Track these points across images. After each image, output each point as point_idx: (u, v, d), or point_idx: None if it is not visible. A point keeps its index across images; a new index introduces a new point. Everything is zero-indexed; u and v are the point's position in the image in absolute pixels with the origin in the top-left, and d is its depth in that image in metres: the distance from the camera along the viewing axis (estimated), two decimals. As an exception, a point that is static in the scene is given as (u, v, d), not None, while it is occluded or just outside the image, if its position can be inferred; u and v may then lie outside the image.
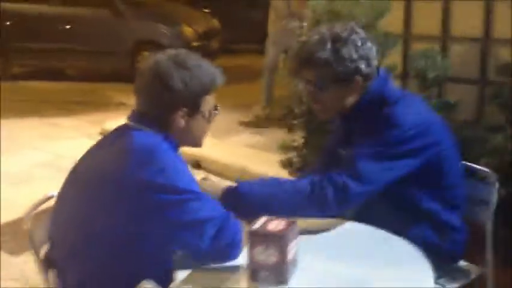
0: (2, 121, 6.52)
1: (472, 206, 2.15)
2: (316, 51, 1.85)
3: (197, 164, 4.95)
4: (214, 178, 1.85)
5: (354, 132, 1.97)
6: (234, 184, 1.83)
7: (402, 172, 1.86)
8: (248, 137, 5.59)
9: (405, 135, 1.84)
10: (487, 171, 2.19)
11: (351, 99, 1.91)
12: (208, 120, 1.74)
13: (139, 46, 8.21)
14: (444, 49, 3.91)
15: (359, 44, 1.87)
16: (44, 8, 8.60)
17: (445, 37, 3.88)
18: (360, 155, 1.83)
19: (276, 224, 1.55)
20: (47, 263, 1.73)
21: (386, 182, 1.84)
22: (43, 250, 1.77)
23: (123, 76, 7.56)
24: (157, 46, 8.17)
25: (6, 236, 3.52)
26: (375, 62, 1.91)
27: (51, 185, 1.86)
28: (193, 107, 1.68)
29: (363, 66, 1.87)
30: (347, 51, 1.84)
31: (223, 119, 6.24)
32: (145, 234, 1.56)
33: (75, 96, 7.77)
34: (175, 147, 1.70)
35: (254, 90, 6.88)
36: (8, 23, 8.64)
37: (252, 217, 1.58)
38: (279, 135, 3.73)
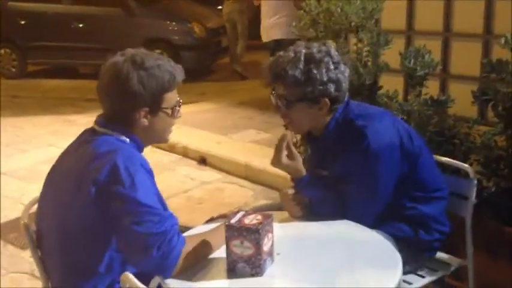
0: (17, 118, 6.70)
1: (453, 200, 2.22)
2: (288, 69, 1.89)
3: (202, 160, 5.04)
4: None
5: (329, 153, 2.03)
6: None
7: (392, 182, 1.97)
8: (253, 133, 5.64)
9: (379, 148, 1.90)
10: (467, 167, 2.26)
11: (319, 119, 1.98)
12: (172, 116, 1.77)
13: (150, 44, 8.28)
14: (446, 45, 3.97)
15: (331, 67, 1.91)
16: (57, 8, 8.77)
17: (447, 33, 3.93)
18: (350, 192, 1.93)
19: (251, 218, 1.64)
20: (42, 258, 1.87)
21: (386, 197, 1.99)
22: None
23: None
24: (168, 43, 8.36)
25: (16, 231, 3.66)
26: (345, 86, 1.96)
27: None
28: (154, 106, 1.72)
29: (332, 89, 1.92)
30: (318, 73, 1.89)
31: (230, 115, 6.38)
32: (105, 230, 1.65)
33: (88, 94, 7.88)
34: (140, 148, 1.76)
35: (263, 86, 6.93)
36: (22, 22, 8.84)
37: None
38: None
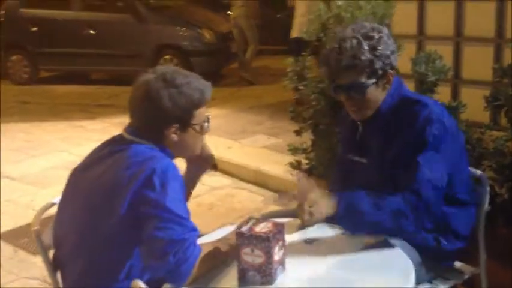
0: (27, 124, 6.75)
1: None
2: (357, 54, 1.89)
3: (213, 165, 5.02)
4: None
5: (378, 136, 1.99)
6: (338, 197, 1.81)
7: (450, 162, 1.93)
8: (263, 138, 5.64)
9: (444, 131, 1.89)
10: (480, 173, 2.23)
11: (383, 95, 1.98)
12: (201, 132, 1.83)
13: (161, 50, 8.36)
14: (457, 50, 3.94)
15: (387, 39, 1.95)
16: (69, 14, 8.84)
17: (458, 38, 3.91)
18: (419, 166, 1.84)
19: (262, 226, 1.63)
20: (54, 265, 1.87)
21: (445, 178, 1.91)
22: (51, 253, 1.90)
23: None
24: (178, 49, 8.39)
25: (26, 237, 3.68)
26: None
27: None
28: (184, 123, 1.77)
29: (394, 59, 1.95)
30: (382, 48, 1.91)
31: (241, 120, 6.38)
32: (131, 239, 1.67)
33: (99, 100, 7.96)
34: (172, 158, 1.79)
35: (275, 91, 6.94)
36: (35, 29, 8.91)
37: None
38: (293, 137, 3.79)
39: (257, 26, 8.64)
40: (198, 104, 1.78)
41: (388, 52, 1.93)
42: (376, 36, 1.92)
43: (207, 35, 8.48)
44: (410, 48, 3.77)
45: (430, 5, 4.08)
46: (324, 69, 1.98)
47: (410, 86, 3.39)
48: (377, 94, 1.96)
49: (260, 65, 9.55)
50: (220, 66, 8.83)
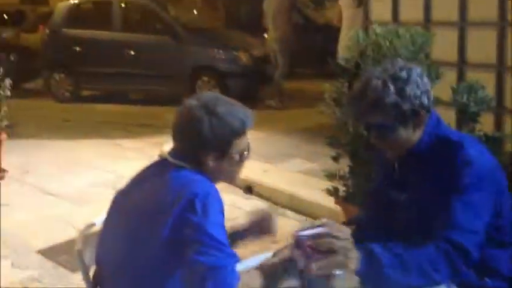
0: (68, 141, 6.90)
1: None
2: (382, 96, 1.87)
3: (249, 188, 5.05)
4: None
5: (415, 174, 1.96)
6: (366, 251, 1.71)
7: (489, 204, 1.87)
8: (299, 162, 5.62)
9: (482, 174, 1.84)
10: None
11: (417, 135, 1.94)
12: (240, 160, 1.83)
13: (198, 71, 8.49)
14: (500, 78, 3.88)
15: (419, 79, 1.90)
16: (110, 35, 9.09)
17: (501, 67, 3.85)
18: (454, 211, 1.79)
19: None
20: (94, 283, 1.90)
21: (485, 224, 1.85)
22: (91, 271, 1.94)
23: (182, 100, 7.80)
24: (215, 71, 8.50)
25: (66, 253, 3.74)
26: (432, 94, 1.95)
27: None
28: (222, 151, 1.78)
29: (425, 100, 1.90)
30: (411, 89, 1.87)
31: (277, 143, 6.39)
32: (172, 263, 1.69)
33: (137, 119, 8.09)
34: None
35: (310, 114, 6.93)
36: (77, 49, 9.17)
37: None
38: (329, 162, 3.78)
39: (292, 51, 8.64)
40: (238, 133, 1.79)
41: (419, 92, 1.87)
42: (405, 76, 1.88)
43: (243, 57, 8.58)
44: (450, 76, 3.74)
45: (471, 32, 4.05)
46: (348, 109, 1.96)
47: (450, 114, 3.38)
48: (407, 134, 1.91)
49: (296, 88, 9.57)
50: (257, 88, 8.90)
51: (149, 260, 1.70)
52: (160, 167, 1.83)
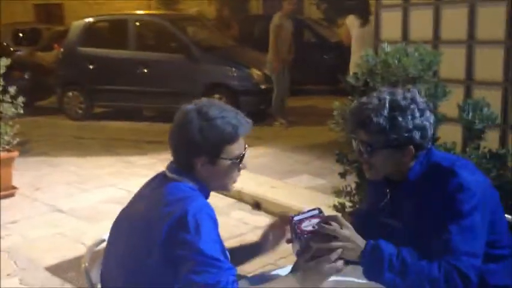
0: (79, 158, 6.94)
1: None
2: (373, 116, 1.87)
3: (257, 204, 5.06)
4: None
5: (408, 202, 1.95)
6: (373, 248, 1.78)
7: (486, 231, 1.87)
8: (308, 178, 5.63)
9: (476, 197, 1.83)
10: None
11: (402, 165, 1.93)
12: (234, 168, 1.81)
13: (210, 88, 8.54)
14: (506, 95, 3.88)
15: (417, 114, 1.88)
16: (124, 53, 9.20)
17: (507, 83, 3.86)
18: (453, 234, 1.79)
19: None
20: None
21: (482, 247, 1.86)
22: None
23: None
24: (227, 88, 8.56)
25: (74, 270, 3.76)
26: (430, 132, 1.92)
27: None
28: (213, 156, 1.76)
29: (417, 136, 1.88)
30: (404, 121, 1.86)
31: (286, 160, 6.40)
32: (170, 278, 1.67)
33: (149, 136, 8.13)
34: (207, 194, 1.81)
35: (321, 131, 6.93)
36: (91, 67, 9.29)
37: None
38: (338, 178, 3.77)
39: (304, 70, 8.62)
40: (229, 139, 1.76)
41: (410, 126, 1.86)
42: (404, 106, 1.86)
43: (255, 75, 8.66)
44: (458, 93, 3.74)
45: (478, 50, 4.06)
46: (346, 122, 1.98)
47: (457, 131, 3.39)
48: (392, 160, 1.90)
49: (309, 105, 9.60)
50: (267, 105, 8.96)
51: (147, 278, 1.70)
52: (157, 181, 1.83)
